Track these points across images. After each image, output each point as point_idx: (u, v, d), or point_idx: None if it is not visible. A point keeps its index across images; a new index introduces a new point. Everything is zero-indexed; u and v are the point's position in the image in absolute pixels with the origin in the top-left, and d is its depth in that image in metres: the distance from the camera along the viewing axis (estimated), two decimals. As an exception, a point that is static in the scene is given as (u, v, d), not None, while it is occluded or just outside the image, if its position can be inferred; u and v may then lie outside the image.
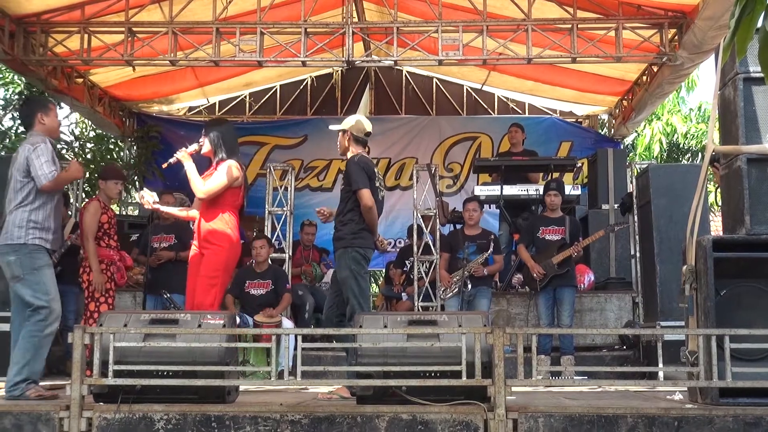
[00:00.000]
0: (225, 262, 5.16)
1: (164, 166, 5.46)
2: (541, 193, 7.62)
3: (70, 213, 7.85)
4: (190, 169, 5.22)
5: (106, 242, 6.41)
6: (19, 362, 4.45)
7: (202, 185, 5.14)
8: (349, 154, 5.26)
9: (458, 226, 8.07)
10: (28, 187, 4.65)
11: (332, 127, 5.41)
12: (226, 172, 5.15)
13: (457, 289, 7.11)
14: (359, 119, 5.40)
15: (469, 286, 7.06)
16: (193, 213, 5.43)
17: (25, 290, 4.56)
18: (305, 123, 11.67)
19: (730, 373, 3.78)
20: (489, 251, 7.13)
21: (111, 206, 6.65)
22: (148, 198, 5.44)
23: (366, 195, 5.04)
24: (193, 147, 5.32)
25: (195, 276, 5.17)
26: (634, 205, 7.71)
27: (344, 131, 5.28)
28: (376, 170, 5.25)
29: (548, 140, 11.09)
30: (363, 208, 5.06)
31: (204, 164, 5.38)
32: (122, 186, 6.79)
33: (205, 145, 5.28)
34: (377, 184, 5.23)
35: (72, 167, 4.88)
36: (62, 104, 10.83)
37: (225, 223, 5.16)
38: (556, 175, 8.72)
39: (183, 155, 5.25)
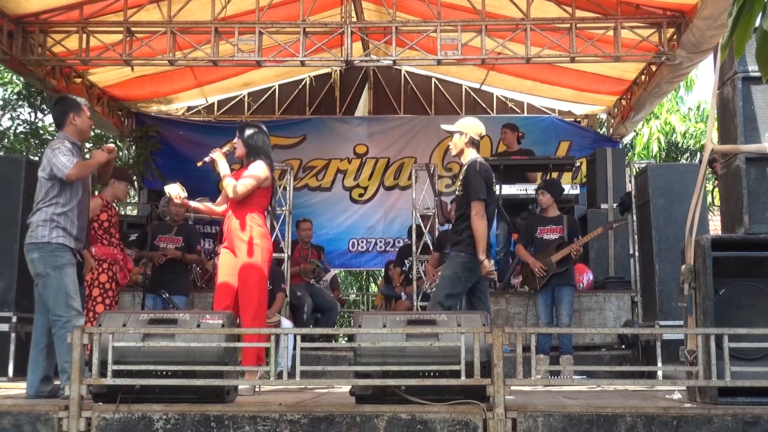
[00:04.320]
0: (263, 257, 5.13)
1: (199, 164, 5.37)
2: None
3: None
4: (224, 168, 5.21)
5: (108, 240, 6.40)
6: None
7: (235, 186, 5.08)
8: (465, 158, 5.29)
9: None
10: (48, 186, 4.63)
11: (446, 127, 5.33)
12: (256, 172, 5.12)
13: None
14: (476, 121, 5.40)
15: None
16: (217, 208, 5.41)
17: (45, 290, 4.54)
18: (304, 123, 11.68)
19: (729, 372, 3.77)
20: None
21: (113, 205, 6.67)
22: (178, 191, 5.32)
23: (477, 207, 5.15)
24: (227, 148, 5.30)
25: (227, 276, 5.11)
26: (633, 205, 7.70)
27: (462, 133, 5.27)
28: (492, 175, 5.32)
29: (547, 140, 11.10)
30: (472, 218, 5.15)
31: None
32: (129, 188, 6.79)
33: (239, 147, 5.26)
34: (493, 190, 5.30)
35: (94, 153, 4.82)
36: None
37: (255, 222, 5.13)
38: (554, 174, 8.71)
39: (218, 155, 5.22)
